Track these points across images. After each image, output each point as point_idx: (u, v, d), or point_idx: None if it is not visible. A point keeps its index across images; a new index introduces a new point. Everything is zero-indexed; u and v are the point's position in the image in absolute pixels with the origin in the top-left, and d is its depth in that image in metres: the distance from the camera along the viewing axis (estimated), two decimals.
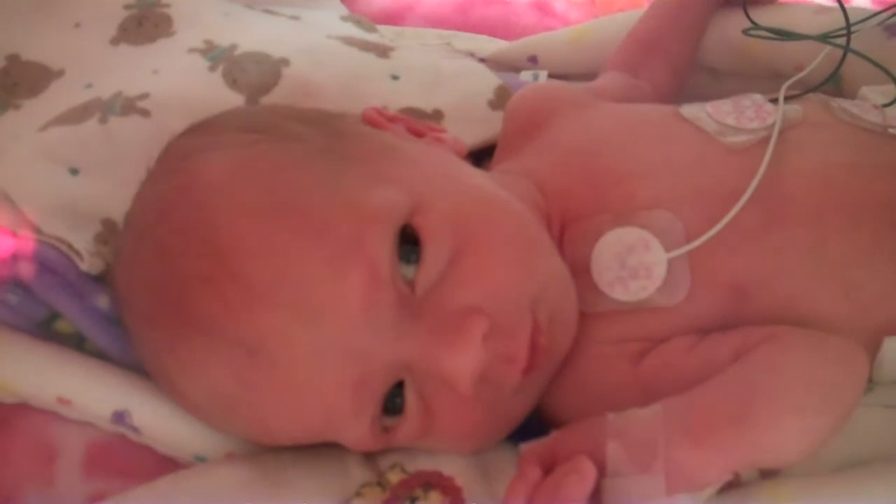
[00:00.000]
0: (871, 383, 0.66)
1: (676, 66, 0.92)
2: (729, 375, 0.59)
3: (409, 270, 0.60)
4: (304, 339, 0.57)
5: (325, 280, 0.57)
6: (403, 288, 0.59)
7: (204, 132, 0.67)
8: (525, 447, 0.62)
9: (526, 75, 0.98)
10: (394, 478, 0.64)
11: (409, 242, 0.60)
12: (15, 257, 0.69)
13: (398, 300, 0.58)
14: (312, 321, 0.57)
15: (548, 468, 0.57)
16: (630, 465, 0.55)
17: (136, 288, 0.63)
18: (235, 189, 0.60)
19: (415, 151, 0.67)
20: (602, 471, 0.56)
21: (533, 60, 1.01)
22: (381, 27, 1.07)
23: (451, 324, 0.58)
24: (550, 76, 0.98)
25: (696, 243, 0.65)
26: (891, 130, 0.72)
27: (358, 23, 1.04)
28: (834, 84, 0.87)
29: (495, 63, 1.01)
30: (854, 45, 0.82)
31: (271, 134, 0.64)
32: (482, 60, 1.02)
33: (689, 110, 0.74)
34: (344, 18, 1.05)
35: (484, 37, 1.07)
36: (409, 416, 0.61)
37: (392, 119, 0.71)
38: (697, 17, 0.93)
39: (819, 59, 0.83)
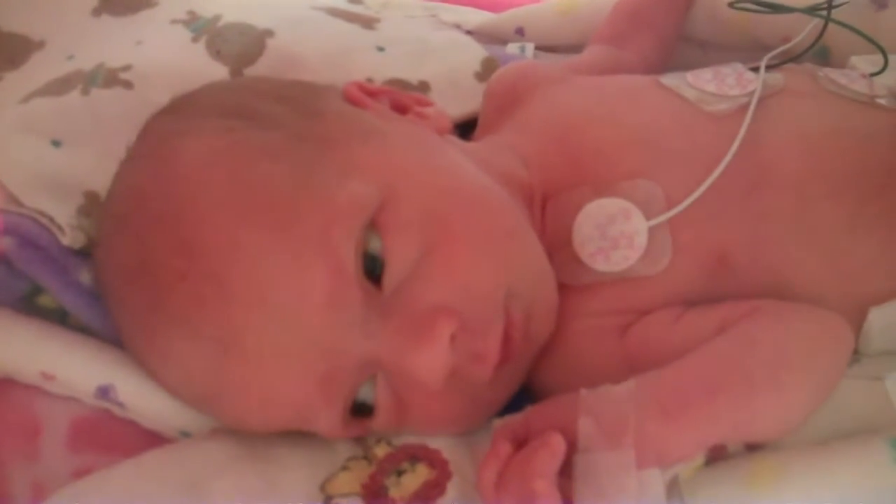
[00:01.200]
0: (856, 354, 0.66)
1: (663, 37, 0.92)
2: (706, 350, 0.59)
3: (378, 267, 0.59)
4: (272, 335, 0.58)
5: (290, 277, 0.57)
6: (370, 286, 0.59)
7: (181, 113, 0.67)
8: (498, 422, 0.62)
9: (513, 48, 0.97)
10: (380, 452, 0.64)
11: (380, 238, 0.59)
12: None
13: (364, 298, 0.58)
14: (279, 318, 0.57)
15: (521, 443, 0.57)
16: (600, 440, 0.55)
17: (115, 273, 0.63)
18: (207, 182, 0.60)
19: (393, 135, 0.66)
20: (574, 446, 0.56)
21: (520, 32, 1.00)
22: None
23: (418, 323, 0.58)
24: (538, 49, 0.98)
25: (676, 210, 0.65)
26: (878, 100, 0.72)
27: None
28: (821, 56, 0.88)
29: (482, 35, 1.00)
30: (843, 17, 0.82)
31: (247, 120, 0.63)
32: (469, 33, 1.01)
33: (670, 79, 0.74)
34: None
35: (470, 9, 1.06)
36: (380, 410, 0.62)
37: (375, 93, 0.70)
38: None
39: (806, 31, 0.82)
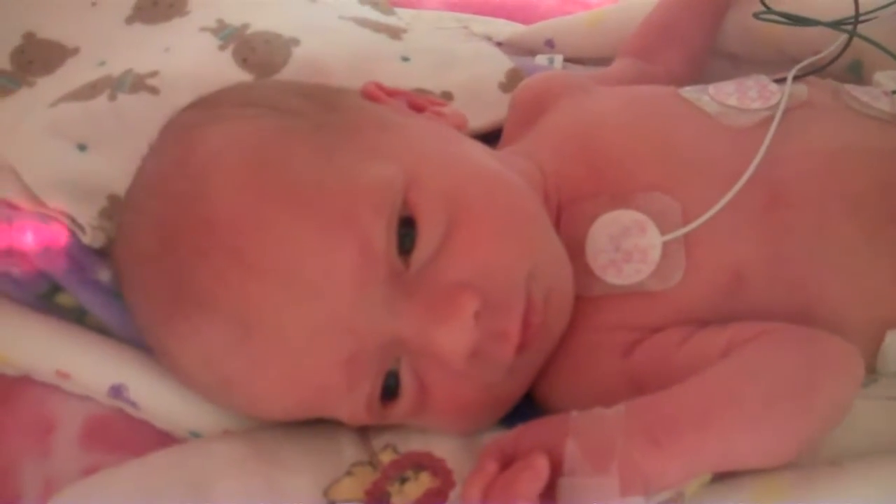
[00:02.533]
0: (875, 374, 0.65)
1: (692, 52, 0.91)
2: (703, 377, 0.58)
3: (407, 244, 0.59)
4: (296, 314, 0.57)
5: (317, 255, 0.57)
6: (398, 264, 0.59)
7: (203, 107, 0.67)
8: (488, 439, 0.61)
9: (541, 59, 0.97)
10: (385, 458, 0.64)
11: (402, 218, 0.59)
12: (18, 230, 0.69)
13: (391, 277, 0.58)
14: (304, 296, 0.57)
15: (509, 461, 0.56)
16: (586, 464, 0.54)
17: (134, 260, 0.63)
18: (230, 163, 0.60)
19: (412, 126, 0.66)
20: (560, 468, 0.55)
21: (549, 44, 1.00)
22: (399, 10, 1.06)
23: (443, 300, 0.58)
24: (566, 60, 0.97)
25: (693, 226, 0.64)
26: None
27: (375, 5, 1.04)
28: (854, 71, 0.86)
29: (512, 47, 1.01)
30: (872, 32, 0.80)
31: (269, 108, 0.64)
32: (499, 44, 1.01)
33: (690, 92, 0.73)
34: (362, 1, 1.05)
35: (501, 20, 1.07)
36: (404, 394, 0.61)
37: (392, 93, 0.71)
38: (716, 4, 0.92)
39: (834, 45, 0.81)
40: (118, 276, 0.68)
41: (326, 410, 0.62)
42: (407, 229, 0.59)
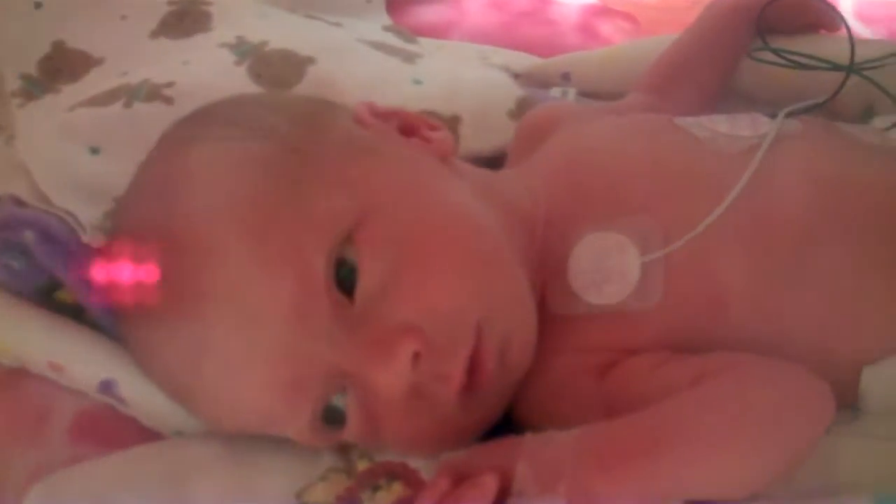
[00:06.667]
0: (856, 411, 0.64)
1: (705, 91, 0.92)
2: (663, 404, 0.58)
3: (347, 283, 0.60)
4: (239, 338, 0.59)
5: (260, 283, 0.58)
6: (341, 298, 0.59)
7: (195, 121, 0.70)
8: (444, 458, 0.62)
9: (555, 91, 0.98)
10: (361, 466, 0.65)
11: (343, 256, 0.60)
12: (21, 224, 0.71)
13: (333, 310, 0.59)
14: (246, 322, 0.59)
15: (462, 479, 0.57)
16: (534, 485, 0.54)
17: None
18: (200, 186, 0.62)
19: (388, 156, 0.66)
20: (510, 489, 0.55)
21: (566, 77, 1.01)
22: (422, 40, 1.08)
23: (382, 341, 0.58)
24: (580, 94, 0.98)
25: (672, 248, 0.64)
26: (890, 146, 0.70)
27: (398, 34, 1.06)
28: (867, 119, 0.86)
29: (529, 78, 1.02)
30: (885, 78, 0.81)
31: (250, 130, 0.65)
32: (516, 76, 1.02)
33: (683, 120, 0.74)
34: (386, 28, 1.07)
35: (522, 54, 1.08)
36: (351, 421, 0.62)
37: (385, 115, 0.71)
38: (732, 44, 0.92)
39: (840, 88, 0.81)
40: None
41: (275, 431, 0.63)
42: (352, 265, 0.60)
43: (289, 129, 0.65)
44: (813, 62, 0.83)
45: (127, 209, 0.68)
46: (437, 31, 1.15)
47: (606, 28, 1.17)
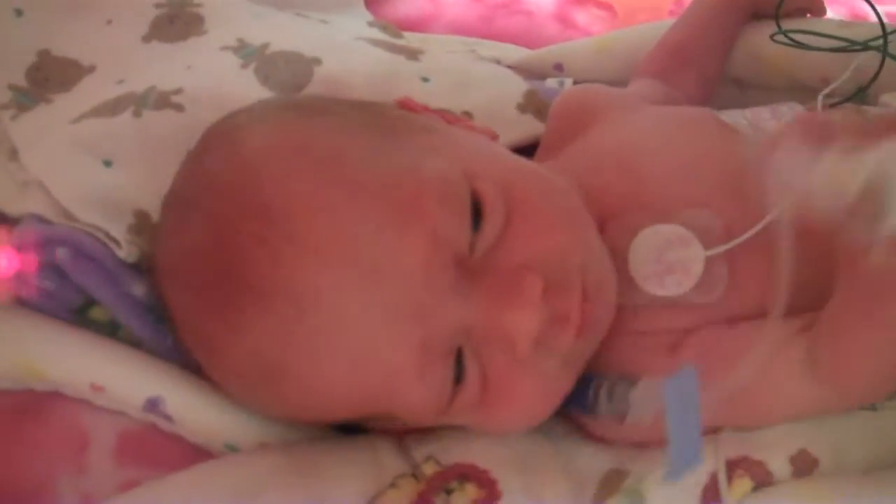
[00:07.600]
0: None
1: (706, 76, 0.94)
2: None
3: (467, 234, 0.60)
4: (362, 298, 0.57)
5: (384, 240, 0.57)
6: (462, 250, 0.60)
7: (238, 115, 0.68)
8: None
9: (552, 82, 0.98)
10: (428, 469, 0.64)
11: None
12: (52, 243, 0.68)
13: (456, 263, 0.59)
14: (371, 279, 0.57)
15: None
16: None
17: (183, 257, 0.63)
18: (281, 154, 0.60)
19: (455, 132, 0.68)
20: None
21: (558, 68, 1.02)
22: (406, 33, 1.07)
23: (509, 283, 0.59)
24: (576, 83, 0.99)
25: (736, 242, 0.65)
26: None
27: (384, 28, 1.05)
28: (859, 97, 0.89)
29: (521, 70, 1.02)
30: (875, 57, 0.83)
31: (312, 109, 0.65)
32: (508, 68, 1.02)
33: (728, 115, 0.75)
34: (371, 24, 1.06)
35: (509, 45, 1.08)
36: (468, 383, 0.61)
37: (425, 108, 0.72)
38: (729, 27, 0.95)
39: (850, 70, 0.84)
40: (161, 280, 0.66)
41: (391, 401, 0.61)
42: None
43: (353, 111, 0.65)
44: (843, 43, 0.84)
45: (191, 197, 0.64)
46: (416, 25, 1.15)
47: (582, 17, 1.18)
